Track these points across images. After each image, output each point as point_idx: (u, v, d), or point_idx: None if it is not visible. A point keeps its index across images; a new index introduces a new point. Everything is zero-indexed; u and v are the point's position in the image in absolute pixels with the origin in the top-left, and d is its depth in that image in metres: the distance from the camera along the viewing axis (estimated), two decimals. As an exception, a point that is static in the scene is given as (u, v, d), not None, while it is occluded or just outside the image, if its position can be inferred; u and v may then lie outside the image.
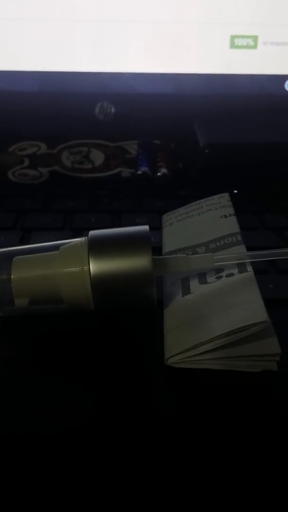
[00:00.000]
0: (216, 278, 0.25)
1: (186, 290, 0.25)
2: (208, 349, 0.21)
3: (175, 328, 0.23)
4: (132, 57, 0.42)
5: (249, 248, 0.29)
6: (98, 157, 0.42)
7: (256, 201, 0.37)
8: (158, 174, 0.39)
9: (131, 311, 0.24)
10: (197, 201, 0.33)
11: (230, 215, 0.30)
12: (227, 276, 0.25)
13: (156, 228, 0.33)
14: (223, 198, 0.32)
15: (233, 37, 0.42)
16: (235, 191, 0.39)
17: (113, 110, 0.43)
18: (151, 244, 0.23)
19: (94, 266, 0.23)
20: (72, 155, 0.42)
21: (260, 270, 0.28)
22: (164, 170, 0.39)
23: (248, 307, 0.21)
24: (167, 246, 0.29)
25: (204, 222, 0.30)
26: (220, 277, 0.25)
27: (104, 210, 0.36)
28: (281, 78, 0.43)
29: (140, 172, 0.39)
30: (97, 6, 0.40)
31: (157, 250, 0.30)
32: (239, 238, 0.27)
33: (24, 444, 0.19)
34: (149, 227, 0.33)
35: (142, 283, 0.23)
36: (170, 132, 0.43)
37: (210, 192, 0.34)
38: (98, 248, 0.23)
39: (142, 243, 0.23)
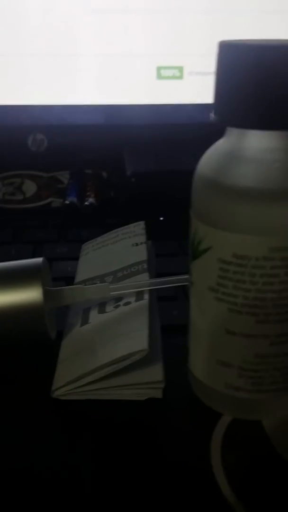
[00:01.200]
0: (114, 307, 0.25)
1: (85, 320, 0.25)
2: (91, 380, 0.21)
3: (65, 359, 0.23)
4: (62, 89, 0.43)
5: (165, 274, 0.29)
6: (30, 187, 0.43)
7: (180, 227, 0.38)
8: (85, 203, 0.39)
9: (25, 344, 0.24)
10: (115, 230, 0.33)
11: (141, 243, 0.30)
12: (124, 304, 0.25)
13: (77, 258, 0.33)
14: (138, 226, 0.32)
15: (159, 68, 0.43)
16: (161, 218, 0.39)
17: (45, 141, 0.44)
18: (43, 276, 0.24)
19: (-17, 301, 0.23)
20: (4, 187, 0.43)
21: (168, 297, 0.29)
22: (91, 200, 0.40)
23: (132, 336, 0.22)
24: (79, 276, 0.30)
25: (117, 251, 0.30)
26: (118, 306, 0.25)
27: (28, 240, 0.36)
28: (208, 107, 0.44)
29: (68, 202, 0.39)
30: (25, 39, 0.41)
31: (73, 280, 0.30)
32: (145, 266, 0.28)
33: None
34: (71, 256, 0.34)
35: (33, 316, 0.23)
36: (102, 161, 0.44)
37: (137, 219, 0.34)
38: (-13, 282, 0.23)
39: (33, 275, 0.23)
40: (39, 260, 0.24)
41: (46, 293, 0.23)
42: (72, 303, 0.25)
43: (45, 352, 0.24)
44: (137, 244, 0.30)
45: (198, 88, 0.44)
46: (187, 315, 0.27)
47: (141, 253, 0.29)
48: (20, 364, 0.24)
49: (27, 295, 0.23)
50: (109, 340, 0.22)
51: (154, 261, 0.30)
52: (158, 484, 0.18)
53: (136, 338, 0.21)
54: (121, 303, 0.25)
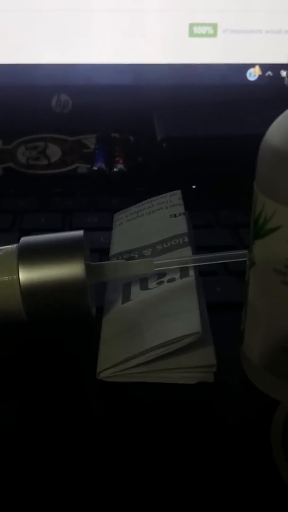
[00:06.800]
0: (157, 283, 0.24)
1: (126, 297, 0.24)
2: (140, 362, 0.20)
3: (109, 339, 0.21)
4: (89, 47, 0.41)
5: (200, 248, 0.28)
6: (55, 152, 0.41)
7: (214, 197, 0.36)
8: (114, 169, 0.38)
9: (66, 320, 0.23)
10: (149, 199, 0.32)
11: (179, 214, 0.29)
12: (168, 281, 0.24)
13: (109, 228, 0.31)
14: (175, 196, 0.31)
15: (192, 25, 0.41)
16: (194, 186, 0.37)
17: (70, 102, 0.42)
18: (85, 250, 0.22)
19: (24, 275, 0.21)
20: (28, 151, 0.41)
21: (209, 272, 0.27)
22: (120, 166, 0.38)
23: (182, 317, 0.20)
24: (115, 248, 0.28)
25: (154, 222, 0.29)
26: (162, 282, 0.24)
27: (56, 209, 0.34)
28: (243, 67, 0.42)
29: (96, 168, 0.38)
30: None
31: (106, 251, 0.29)
32: (186, 239, 0.26)
33: None
34: (102, 226, 0.32)
35: (75, 291, 0.22)
36: (129, 124, 0.42)
37: (168, 187, 0.32)
38: (29, 256, 0.22)
39: (75, 250, 0.22)
40: (80, 233, 0.23)
41: (88, 268, 0.22)
42: (114, 279, 0.24)
43: (85, 329, 0.23)
44: (175, 216, 0.29)
45: (233, 47, 0.41)
46: (232, 293, 0.26)
47: (180, 225, 0.28)
48: (60, 342, 0.23)
49: (69, 270, 0.21)
50: (157, 320, 0.21)
51: (193, 233, 0.29)
52: (214, 473, 0.17)
53: (187, 319, 0.20)
54: (164, 279, 0.24)
